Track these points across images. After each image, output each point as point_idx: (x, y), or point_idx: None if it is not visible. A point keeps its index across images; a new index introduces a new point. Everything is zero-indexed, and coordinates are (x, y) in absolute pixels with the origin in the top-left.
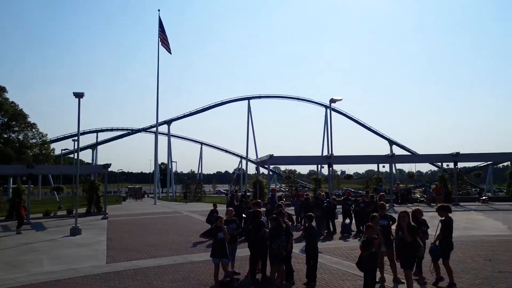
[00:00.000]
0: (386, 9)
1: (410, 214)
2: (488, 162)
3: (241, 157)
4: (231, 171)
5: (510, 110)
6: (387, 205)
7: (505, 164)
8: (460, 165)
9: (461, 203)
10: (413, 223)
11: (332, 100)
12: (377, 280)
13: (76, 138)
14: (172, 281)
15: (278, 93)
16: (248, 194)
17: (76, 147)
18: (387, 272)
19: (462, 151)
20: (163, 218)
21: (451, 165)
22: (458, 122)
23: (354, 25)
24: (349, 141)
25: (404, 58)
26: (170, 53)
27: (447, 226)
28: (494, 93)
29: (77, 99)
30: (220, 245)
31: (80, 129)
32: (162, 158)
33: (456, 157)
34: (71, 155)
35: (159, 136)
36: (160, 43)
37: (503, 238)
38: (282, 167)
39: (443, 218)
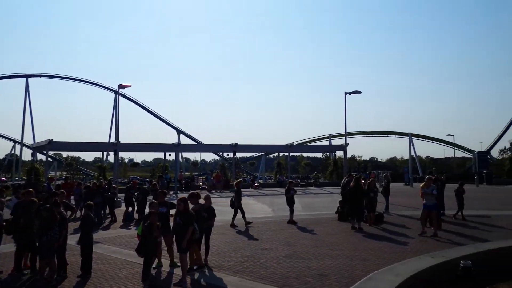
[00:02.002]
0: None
1: (189, 201)
2: (262, 153)
3: (14, 141)
4: (1, 157)
5: (278, 108)
6: (171, 192)
7: (275, 154)
8: (239, 155)
9: None
10: (191, 210)
11: (121, 86)
12: (154, 266)
13: None
14: None
15: (62, 74)
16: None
17: None
18: (164, 257)
19: (241, 142)
20: None
21: (231, 154)
22: (239, 117)
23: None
24: (138, 128)
25: (193, 54)
26: None
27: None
28: (261, 93)
29: None
30: None
31: None
32: None
33: (235, 147)
34: None
35: None
36: None
37: (268, 219)
38: (65, 154)
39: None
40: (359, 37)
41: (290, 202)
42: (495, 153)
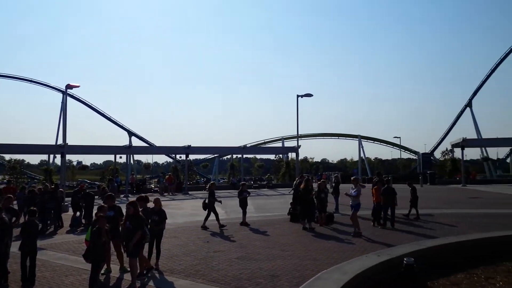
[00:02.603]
0: None
1: (139, 204)
2: (215, 155)
3: None
4: None
5: (232, 110)
6: (121, 195)
7: (228, 156)
8: (192, 157)
9: (190, 192)
10: (141, 214)
11: (69, 86)
12: (102, 272)
13: None
14: None
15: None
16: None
17: None
18: (114, 262)
19: (194, 144)
20: None
21: (184, 157)
22: (190, 118)
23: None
24: (88, 130)
25: (146, 54)
26: None
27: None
28: (215, 95)
29: None
30: None
31: None
32: None
33: (188, 149)
34: None
35: None
36: None
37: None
38: (7, 156)
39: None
40: (312, 41)
41: (243, 204)
42: (438, 154)
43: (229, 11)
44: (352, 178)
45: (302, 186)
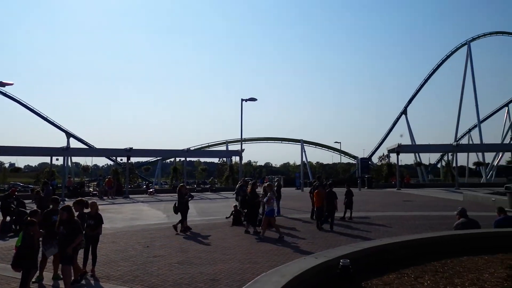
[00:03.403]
0: None
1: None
2: (158, 158)
3: None
4: None
5: (176, 113)
6: (59, 198)
7: (171, 159)
8: (134, 159)
9: (131, 196)
10: (76, 218)
11: (1, 84)
12: (34, 280)
13: None
14: None
15: None
16: None
17: None
18: (47, 269)
19: (137, 147)
20: None
21: (125, 159)
22: (134, 121)
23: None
24: (22, 130)
25: (86, 53)
26: None
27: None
28: (158, 96)
29: None
30: None
31: None
32: None
33: (129, 152)
34: None
35: None
36: None
37: (161, 226)
38: None
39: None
40: (255, 45)
41: (184, 208)
42: (375, 159)
43: (169, 11)
44: (265, 184)
45: (249, 190)
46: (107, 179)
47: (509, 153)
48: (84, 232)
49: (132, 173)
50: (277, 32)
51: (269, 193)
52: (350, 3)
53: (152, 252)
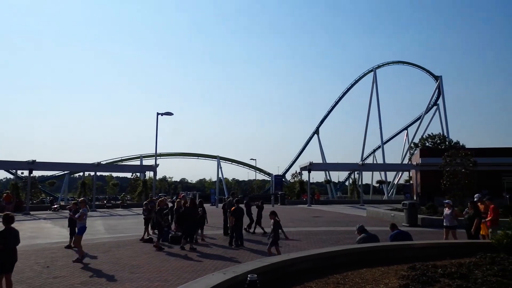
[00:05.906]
0: None
1: None
2: (65, 172)
3: None
4: None
5: (88, 126)
6: None
7: (80, 174)
8: (38, 173)
9: (32, 212)
10: None
11: None
12: None
13: None
14: None
15: None
16: None
17: None
18: None
19: (42, 159)
20: None
21: (27, 172)
22: (40, 132)
23: None
24: None
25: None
26: None
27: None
28: (74, 107)
29: None
30: None
31: None
32: None
33: (32, 164)
34: None
35: None
36: None
37: (64, 244)
38: None
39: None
40: (175, 59)
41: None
42: (289, 176)
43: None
44: (79, 199)
45: (188, 204)
46: (5, 194)
47: (407, 172)
48: None
49: (34, 188)
50: (194, 46)
51: (81, 209)
52: (249, 25)
53: (53, 273)
